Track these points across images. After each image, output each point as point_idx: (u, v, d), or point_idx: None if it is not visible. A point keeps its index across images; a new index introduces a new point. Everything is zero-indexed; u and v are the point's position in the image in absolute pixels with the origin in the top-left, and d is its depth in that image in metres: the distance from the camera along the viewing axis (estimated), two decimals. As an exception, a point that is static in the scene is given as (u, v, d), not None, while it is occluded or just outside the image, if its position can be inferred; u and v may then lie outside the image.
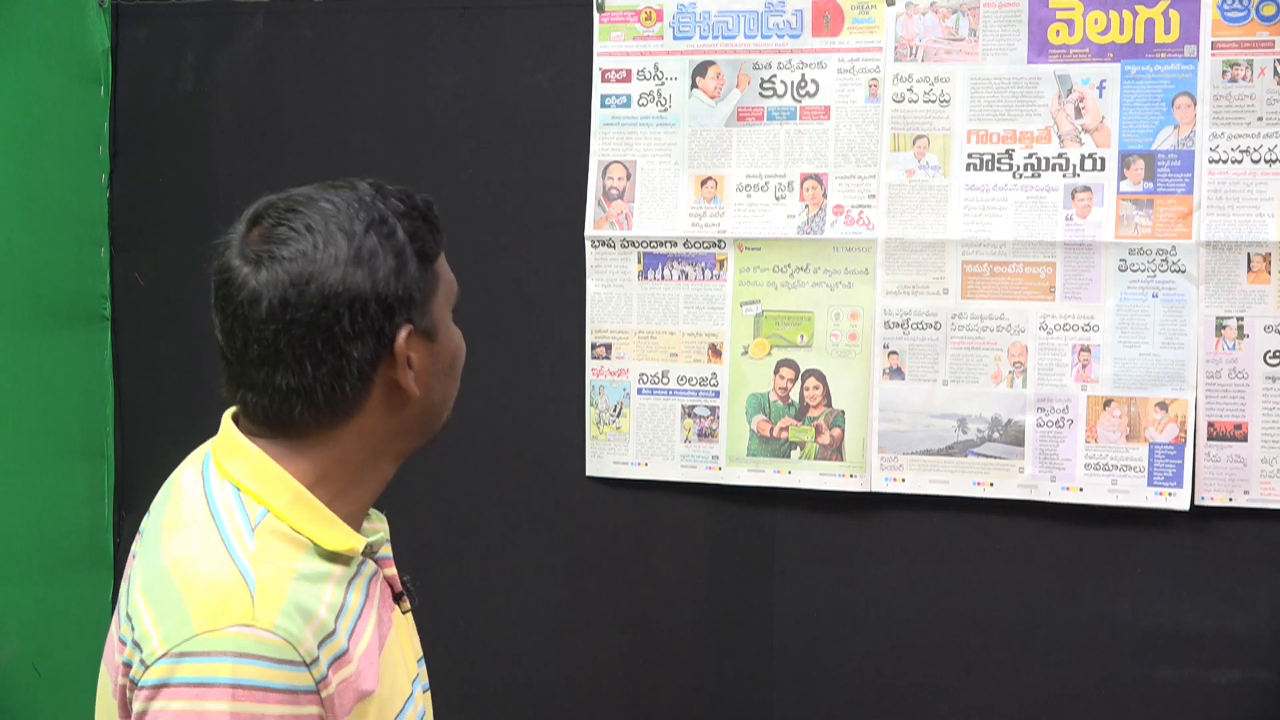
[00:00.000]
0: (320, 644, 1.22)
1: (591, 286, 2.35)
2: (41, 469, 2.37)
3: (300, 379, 1.26)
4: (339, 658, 1.24)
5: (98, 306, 2.52)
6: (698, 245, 2.32)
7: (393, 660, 1.35)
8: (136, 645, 1.22)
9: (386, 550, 1.42)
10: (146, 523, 1.34)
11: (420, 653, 1.46)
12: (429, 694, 1.48)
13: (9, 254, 2.30)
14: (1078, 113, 2.18)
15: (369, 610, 1.32)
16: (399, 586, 1.42)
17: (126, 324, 2.53)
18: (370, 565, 1.37)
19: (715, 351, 2.32)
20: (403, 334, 1.29)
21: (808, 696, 2.33)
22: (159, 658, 1.19)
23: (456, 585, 2.46)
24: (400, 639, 1.39)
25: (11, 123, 2.31)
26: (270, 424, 1.29)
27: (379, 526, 1.43)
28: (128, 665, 1.23)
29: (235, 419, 1.33)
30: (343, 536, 1.30)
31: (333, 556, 1.29)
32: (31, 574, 2.28)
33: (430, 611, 2.46)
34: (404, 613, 1.42)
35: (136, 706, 1.21)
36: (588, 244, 2.35)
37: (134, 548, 1.34)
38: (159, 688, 1.19)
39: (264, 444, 1.30)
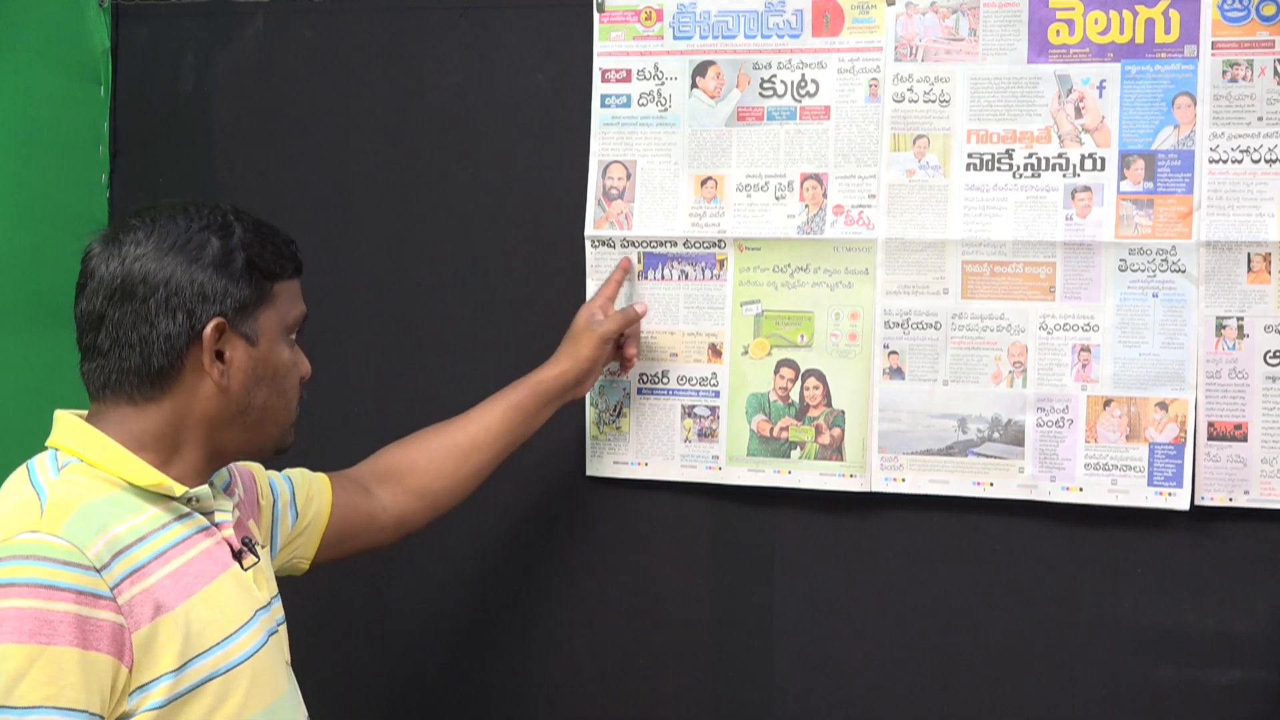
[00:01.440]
0: (114, 556, 1.36)
1: (591, 286, 2.35)
2: (41, 469, 2.37)
3: (115, 343, 1.46)
4: (136, 570, 1.37)
5: (98, 306, 2.51)
6: (698, 245, 2.32)
7: (221, 595, 1.48)
8: None
9: (225, 515, 1.55)
10: None
11: (264, 601, 1.59)
12: (280, 636, 1.62)
13: (8, 254, 2.30)
14: (1078, 113, 2.18)
15: (188, 547, 1.46)
16: (237, 545, 1.55)
17: (126, 324, 2.53)
18: (201, 519, 1.51)
19: (715, 351, 2.32)
20: (213, 322, 1.47)
21: (808, 696, 2.33)
22: None
23: (456, 584, 2.46)
24: (237, 585, 1.52)
25: (11, 122, 2.31)
26: (97, 391, 1.48)
27: (224, 505, 1.57)
28: None
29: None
30: (154, 475, 1.46)
31: (151, 497, 1.45)
32: (31, 574, 2.28)
33: (430, 611, 2.47)
34: (245, 569, 1.55)
35: None
36: (587, 244, 2.35)
37: None
38: None
39: (96, 411, 1.49)
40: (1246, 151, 2.12)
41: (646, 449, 2.35)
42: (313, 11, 2.47)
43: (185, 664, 1.40)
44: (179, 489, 1.47)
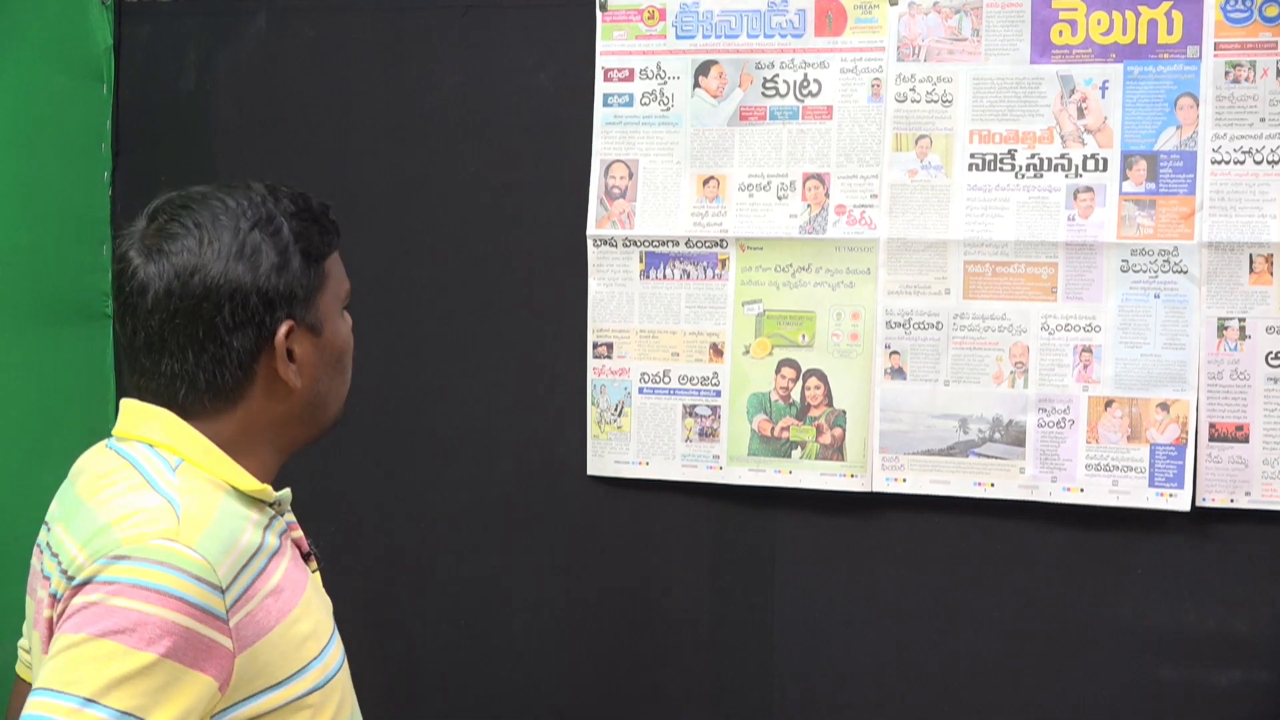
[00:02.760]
0: (235, 574, 1.30)
1: (593, 285, 2.35)
2: (43, 466, 2.36)
3: (183, 365, 1.37)
4: (247, 590, 1.31)
5: (100, 304, 2.51)
6: (700, 244, 2.32)
7: (313, 604, 1.42)
8: (63, 572, 1.30)
9: (292, 517, 1.50)
10: (52, 513, 1.43)
11: (331, 608, 1.53)
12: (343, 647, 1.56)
13: (11, 251, 2.30)
14: (1080, 113, 2.18)
15: (281, 556, 1.39)
16: (306, 548, 1.50)
17: (128, 322, 2.53)
18: (280, 523, 1.45)
19: (717, 351, 2.32)
20: (283, 328, 1.38)
21: (808, 695, 2.33)
22: (83, 564, 1.27)
23: (457, 584, 2.46)
24: (317, 593, 1.47)
25: (13, 120, 2.31)
26: (168, 404, 1.39)
27: (286, 499, 1.51)
28: (54, 596, 1.31)
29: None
30: (254, 481, 1.39)
31: (248, 501, 1.38)
32: (32, 571, 2.28)
33: (430, 609, 2.47)
34: (312, 571, 1.50)
35: (59, 610, 1.28)
36: (589, 243, 2.35)
37: (40, 540, 1.42)
38: (80, 586, 1.26)
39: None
40: (1249, 152, 2.12)
41: (647, 448, 2.35)
42: (315, 10, 2.47)
43: (285, 680, 1.36)
44: (273, 494, 1.42)
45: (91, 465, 1.42)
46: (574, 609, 2.41)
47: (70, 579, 1.28)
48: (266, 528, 1.40)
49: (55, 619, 1.30)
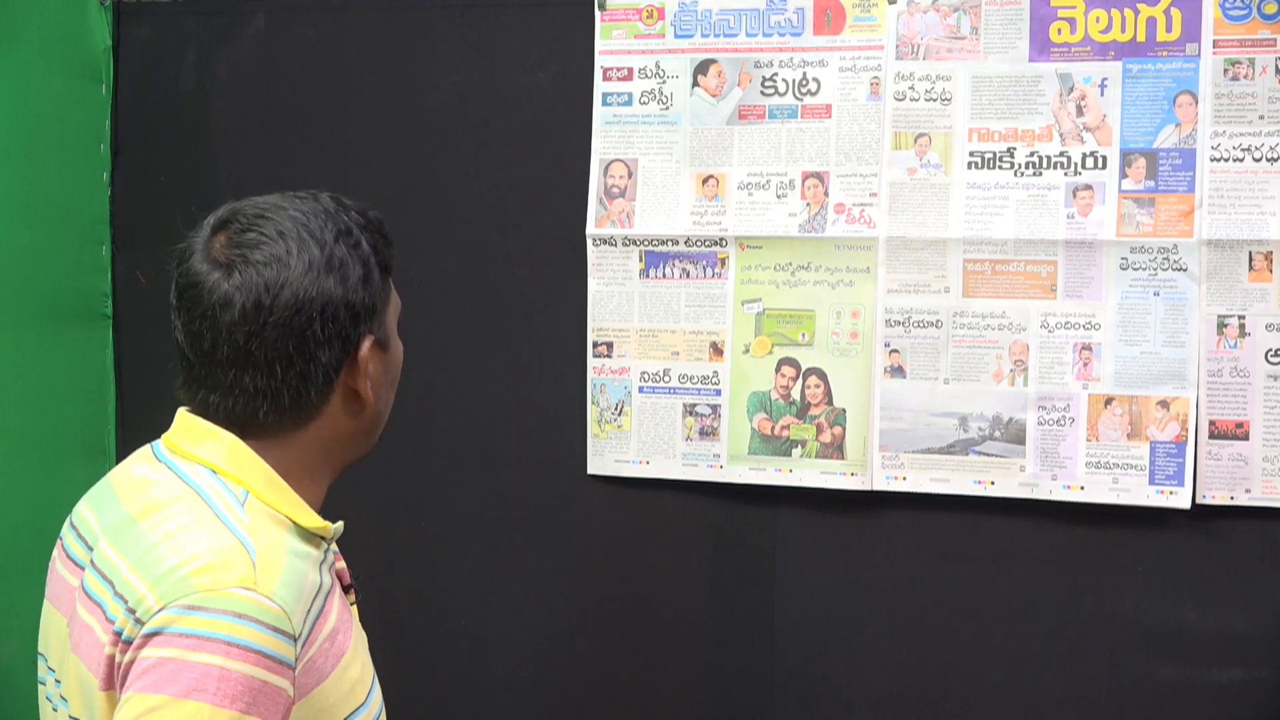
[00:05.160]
0: (303, 620, 1.25)
1: (593, 285, 2.35)
2: (43, 467, 2.37)
3: (269, 380, 1.30)
4: (309, 637, 1.26)
5: (99, 305, 2.52)
6: (699, 243, 2.32)
7: (361, 645, 1.38)
8: (130, 611, 1.22)
9: (335, 546, 1.45)
10: (86, 521, 1.35)
11: (366, 642, 1.48)
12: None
13: (10, 252, 2.30)
14: (1079, 111, 2.18)
15: (333, 596, 1.34)
16: (347, 579, 1.46)
17: (128, 322, 2.53)
18: (329, 558, 1.39)
19: (716, 350, 2.32)
20: (367, 342, 1.34)
21: (809, 694, 2.33)
22: (156, 611, 1.20)
23: (458, 583, 2.46)
24: (359, 632, 1.42)
25: (13, 121, 2.31)
26: (232, 425, 1.32)
27: (338, 532, 1.46)
28: (118, 634, 1.23)
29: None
30: (317, 518, 1.34)
31: (307, 537, 1.33)
32: (33, 572, 2.27)
33: (431, 610, 2.47)
34: (352, 604, 1.45)
35: (127, 657, 1.21)
36: (589, 242, 2.35)
37: (72, 550, 1.35)
38: (152, 635, 1.20)
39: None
40: (1248, 150, 2.12)
41: (648, 447, 2.35)
42: (314, 10, 2.47)
43: None
44: (330, 528, 1.38)
45: (141, 478, 1.34)
46: (574, 607, 2.41)
47: (139, 622, 1.21)
48: (322, 562, 1.35)
49: (122, 664, 1.23)
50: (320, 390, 1.33)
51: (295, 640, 1.23)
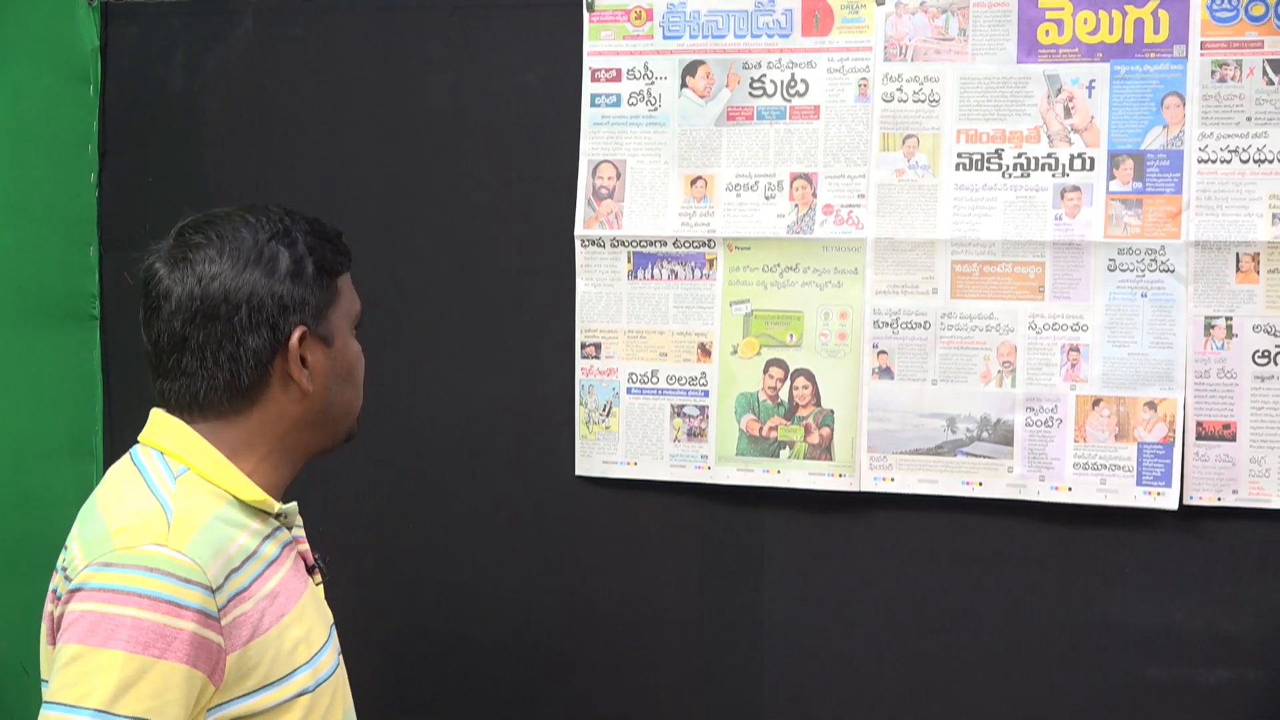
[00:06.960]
0: (226, 576, 1.38)
1: (581, 286, 2.35)
2: (29, 468, 2.37)
3: (202, 364, 1.46)
4: (240, 593, 1.39)
5: (86, 305, 2.51)
6: (687, 244, 2.32)
7: (308, 612, 1.51)
8: (63, 569, 1.40)
9: (300, 531, 1.59)
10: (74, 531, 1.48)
11: (331, 620, 1.61)
12: (341, 658, 1.63)
13: (-3, 252, 2.30)
14: (1067, 112, 2.18)
15: (279, 565, 1.48)
16: (311, 561, 1.59)
17: (115, 323, 2.53)
18: (286, 533, 1.54)
19: (705, 351, 2.32)
20: (297, 332, 1.48)
21: (798, 695, 2.33)
22: (81, 569, 1.35)
23: (446, 583, 2.45)
24: (315, 602, 1.55)
25: (0, 121, 2.30)
26: (184, 408, 1.49)
27: (299, 520, 1.61)
28: (54, 592, 1.40)
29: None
30: (256, 491, 1.48)
31: (250, 511, 1.47)
32: (19, 574, 2.27)
33: (421, 610, 2.46)
34: (316, 584, 1.59)
35: (58, 610, 1.37)
36: (577, 243, 2.35)
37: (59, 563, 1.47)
38: (75, 591, 1.35)
39: (186, 422, 1.49)
40: (1235, 151, 2.12)
41: (636, 448, 2.35)
42: (303, 10, 2.47)
43: (276, 681, 1.43)
44: (275, 505, 1.51)
45: (112, 471, 1.50)
46: (562, 609, 2.41)
47: (69, 579, 1.37)
48: (267, 537, 1.48)
49: (57, 619, 1.38)
50: (252, 374, 1.47)
51: (213, 591, 1.35)
